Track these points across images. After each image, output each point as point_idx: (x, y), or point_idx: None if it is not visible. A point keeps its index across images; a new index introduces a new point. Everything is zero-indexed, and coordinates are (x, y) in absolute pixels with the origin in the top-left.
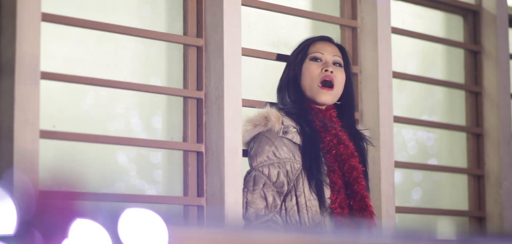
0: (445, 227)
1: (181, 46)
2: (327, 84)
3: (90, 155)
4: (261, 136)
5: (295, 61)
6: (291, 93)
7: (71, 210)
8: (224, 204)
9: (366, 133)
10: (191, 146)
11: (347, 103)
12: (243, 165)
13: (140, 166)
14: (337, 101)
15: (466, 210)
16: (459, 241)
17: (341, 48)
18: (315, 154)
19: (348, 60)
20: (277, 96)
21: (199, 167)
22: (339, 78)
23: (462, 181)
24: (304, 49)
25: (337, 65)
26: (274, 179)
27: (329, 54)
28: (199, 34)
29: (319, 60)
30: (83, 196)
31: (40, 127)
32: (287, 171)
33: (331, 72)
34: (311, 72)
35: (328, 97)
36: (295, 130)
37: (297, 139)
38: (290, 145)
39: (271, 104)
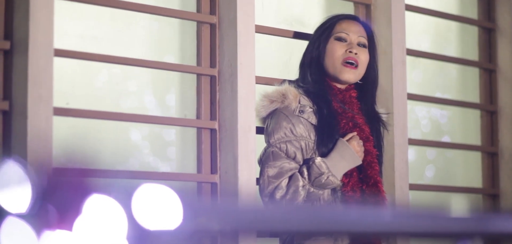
0: (459, 204)
1: (195, 23)
2: (351, 64)
3: (104, 132)
4: (278, 112)
5: (320, 39)
6: (313, 72)
7: (85, 186)
8: (237, 181)
9: (384, 117)
10: (205, 123)
11: (370, 83)
12: (257, 142)
13: (154, 143)
14: (359, 81)
15: (480, 188)
16: (472, 219)
17: (367, 27)
18: (331, 135)
19: (373, 40)
20: (299, 73)
21: (213, 144)
22: (363, 59)
23: (475, 158)
24: (329, 28)
25: (362, 46)
26: (292, 156)
27: (355, 34)
28: (212, 11)
29: (344, 40)
30: (96, 173)
31: (54, 104)
32: (301, 148)
33: (355, 53)
34: (335, 52)
35: (351, 76)
36: (311, 110)
37: (313, 119)
38: (307, 124)
39: (290, 82)
